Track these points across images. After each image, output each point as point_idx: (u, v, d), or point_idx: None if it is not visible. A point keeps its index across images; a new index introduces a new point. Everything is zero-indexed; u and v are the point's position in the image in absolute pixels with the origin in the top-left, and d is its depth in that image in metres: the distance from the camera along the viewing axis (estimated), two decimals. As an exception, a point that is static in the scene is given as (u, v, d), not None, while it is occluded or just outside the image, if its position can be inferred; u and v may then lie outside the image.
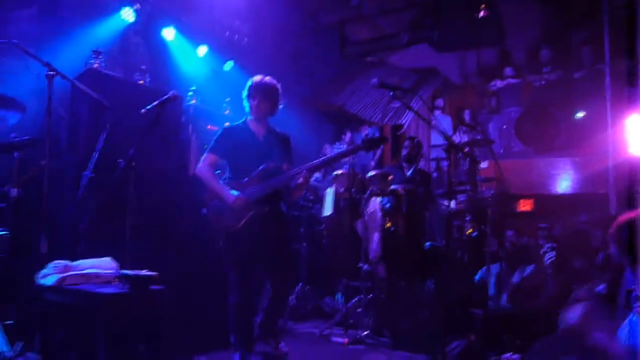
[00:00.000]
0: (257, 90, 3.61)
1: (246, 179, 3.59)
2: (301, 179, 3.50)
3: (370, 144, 3.57)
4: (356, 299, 4.88)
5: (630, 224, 2.64)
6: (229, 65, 6.25)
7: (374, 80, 3.67)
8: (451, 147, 3.66)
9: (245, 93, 3.66)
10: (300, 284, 5.39)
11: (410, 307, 4.62)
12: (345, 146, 7.08)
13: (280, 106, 3.76)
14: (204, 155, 3.67)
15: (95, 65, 4.42)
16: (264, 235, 3.56)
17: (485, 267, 4.53)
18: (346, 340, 4.39)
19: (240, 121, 3.77)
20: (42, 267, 3.07)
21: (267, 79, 3.66)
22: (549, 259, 4.18)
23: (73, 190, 3.81)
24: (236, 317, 3.59)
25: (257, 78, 3.66)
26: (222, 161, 3.71)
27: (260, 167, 3.58)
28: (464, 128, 7.90)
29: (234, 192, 3.53)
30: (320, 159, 3.78)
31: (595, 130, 6.03)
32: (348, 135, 7.75)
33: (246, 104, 3.67)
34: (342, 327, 4.62)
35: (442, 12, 7.10)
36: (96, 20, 5.01)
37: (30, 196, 3.48)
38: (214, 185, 3.58)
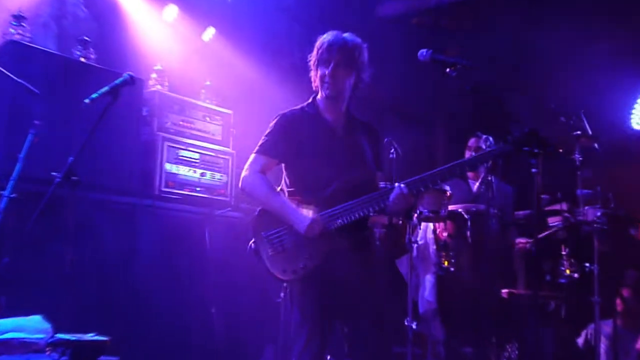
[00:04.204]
0: (332, 51, 3.09)
1: (320, 195, 3.08)
2: (402, 196, 3.03)
3: (526, 143, 2.98)
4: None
5: None
6: (208, 33, 6.10)
7: (423, 51, 3.17)
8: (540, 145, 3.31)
9: (312, 58, 3.18)
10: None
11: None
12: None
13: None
14: (251, 157, 3.18)
15: (17, 36, 4.27)
16: (347, 282, 3.09)
17: (592, 325, 4.36)
18: None
19: (305, 103, 3.26)
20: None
21: (347, 34, 3.13)
22: None
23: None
24: None
25: (330, 35, 3.14)
26: (279, 166, 3.21)
27: (343, 178, 3.09)
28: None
29: (306, 213, 3.00)
30: (440, 168, 3.11)
31: None
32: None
33: (314, 76, 3.20)
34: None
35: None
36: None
37: None
38: (275, 201, 3.10)
